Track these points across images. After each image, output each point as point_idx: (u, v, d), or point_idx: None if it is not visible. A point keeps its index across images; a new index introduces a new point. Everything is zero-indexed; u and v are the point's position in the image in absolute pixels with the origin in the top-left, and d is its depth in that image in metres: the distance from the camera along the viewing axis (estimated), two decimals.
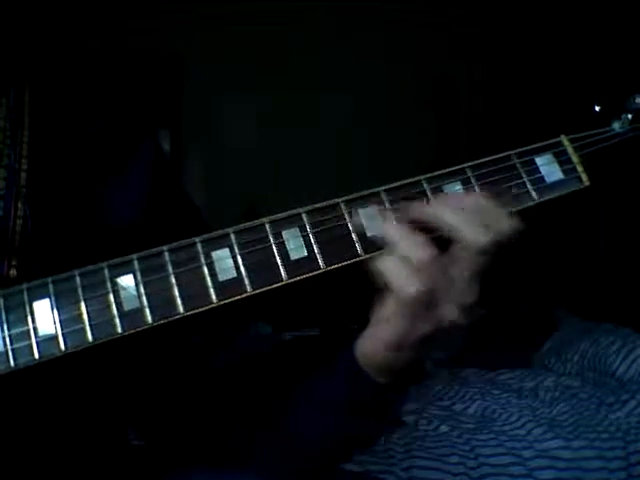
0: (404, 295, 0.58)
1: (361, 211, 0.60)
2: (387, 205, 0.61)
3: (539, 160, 0.63)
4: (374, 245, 0.60)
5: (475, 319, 0.62)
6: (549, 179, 0.63)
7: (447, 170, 0.62)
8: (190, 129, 3.21)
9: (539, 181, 0.63)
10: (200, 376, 0.75)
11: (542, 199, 0.62)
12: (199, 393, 0.76)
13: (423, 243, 0.58)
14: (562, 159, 0.63)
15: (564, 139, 0.64)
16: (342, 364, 0.67)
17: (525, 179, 0.63)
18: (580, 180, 0.63)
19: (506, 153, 0.63)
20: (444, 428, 1.78)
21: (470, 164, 0.62)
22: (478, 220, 0.59)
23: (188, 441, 0.75)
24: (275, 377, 0.75)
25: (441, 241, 0.59)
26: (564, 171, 0.63)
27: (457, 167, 0.62)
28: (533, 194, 0.62)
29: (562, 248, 2.91)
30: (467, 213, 0.59)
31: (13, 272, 0.65)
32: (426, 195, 0.61)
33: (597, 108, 0.64)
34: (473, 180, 0.62)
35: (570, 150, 0.63)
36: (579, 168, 0.63)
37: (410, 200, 0.61)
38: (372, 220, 0.60)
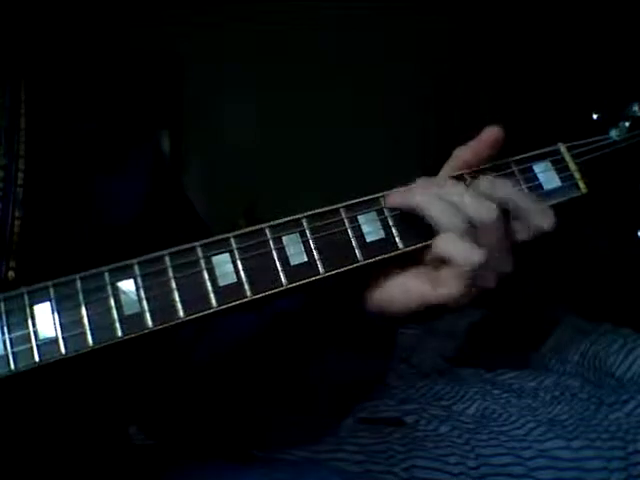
0: (468, 266, 0.58)
1: (361, 217, 0.60)
2: (386, 211, 0.61)
3: (537, 167, 0.64)
4: (374, 251, 0.60)
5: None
6: (547, 186, 0.63)
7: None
8: (190, 129, 3.21)
9: (537, 188, 0.63)
10: (187, 369, 0.76)
11: None
12: (188, 387, 0.76)
13: (489, 206, 0.59)
14: (559, 166, 0.64)
15: (561, 147, 0.64)
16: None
17: (523, 186, 0.63)
18: (577, 187, 0.63)
19: (504, 160, 0.63)
20: (444, 428, 1.78)
21: (469, 171, 0.63)
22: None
23: (189, 439, 0.76)
24: (264, 358, 0.75)
25: None
26: (561, 178, 0.63)
27: (456, 173, 0.63)
28: None
29: (562, 248, 2.91)
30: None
31: (11, 274, 0.65)
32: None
33: (595, 116, 0.64)
34: None
35: (567, 157, 0.64)
36: (576, 175, 0.63)
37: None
38: (372, 225, 0.60)
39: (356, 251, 0.60)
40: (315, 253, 0.59)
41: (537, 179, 0.63)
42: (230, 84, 3.15)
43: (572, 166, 0.63)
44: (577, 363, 2.28)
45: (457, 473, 1.61)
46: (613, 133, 0.63)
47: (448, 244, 0.59)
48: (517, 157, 0.64)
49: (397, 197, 0.61)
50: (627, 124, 0.63)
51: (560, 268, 2.90)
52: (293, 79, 3.14)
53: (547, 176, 0.63)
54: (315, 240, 0.59)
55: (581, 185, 0.63)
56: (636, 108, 0.62)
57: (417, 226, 0.61)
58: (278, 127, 3.15)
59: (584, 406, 1.90)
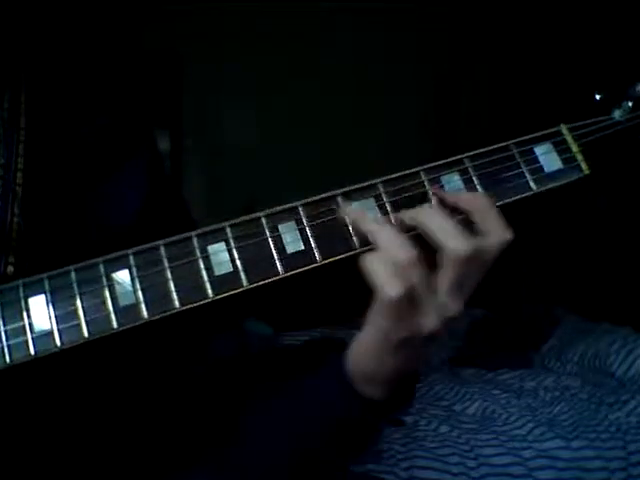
0: (385, 296, 0.56)
1: (357, 204, 0.60)
2: (384, 197, 0.60)
3: (538, 150, 0.62)
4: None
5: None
6: (548, 169, 0.62)
7: (445, 161, 0.61)
8: (190, 129, 3.20)
9: (538, 170, 0.61)
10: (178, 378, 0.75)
11: (541, 189, 0.61)
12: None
13: (404, 243, 0.56)
14: (561, 148, 0.62)
15: (563, 128, 0.63)
16: (328, 371, 0.64)
17: (524, 169, 0.61)
18: (580, 169, 0.62)
19: (505, 143, 0.62)
20: (444, 428, 1.77)
21: (468, 154, 0.61)
22: (459, 227, 0.57)
23: (187, 441, 0.75)
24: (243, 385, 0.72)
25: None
26: (563, 160, 0.62)
27: (455, 157, 0.61)
28: (532, 184, 0.61)
29: (562, 247, 2.90)
30: (448, 218, 0.57)
31: (10, 269, 0.65)
32: (424, 186, 0.60)
33: (597, 97, 0.63)
34: (471, 170, 0.61)
35: (569, 139, 0.62)
36: (578, 157, 0.62)
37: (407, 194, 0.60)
38: (370, 212, 0.59)
39: (353, 239, 0.59)
40: (312, 241, 0.58)
41: (538, 161, 0.62)
42: (230, 84, 3.14)
43: (574, 147, 0.62)
44: (577, 363, 2.28)
45: (457, 473, 1.61)
46: (616, 113, 0.62)
47: (372, 262, 0.57)
48: (518, 139, 0.62)
49: (355, 212, 0.59)
50: (630, 104, 0.61)
51: (560, 267, 2.89)
52: (293, 79, 3.14)
53: (549, 158, 0.62)
54: (312, 228, 0.59)
55: (584, 166, 0.62)
56: (639, 88, 0.60)
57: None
58: (278, 127, 3.14)
59: (584, 406, 1.90)
